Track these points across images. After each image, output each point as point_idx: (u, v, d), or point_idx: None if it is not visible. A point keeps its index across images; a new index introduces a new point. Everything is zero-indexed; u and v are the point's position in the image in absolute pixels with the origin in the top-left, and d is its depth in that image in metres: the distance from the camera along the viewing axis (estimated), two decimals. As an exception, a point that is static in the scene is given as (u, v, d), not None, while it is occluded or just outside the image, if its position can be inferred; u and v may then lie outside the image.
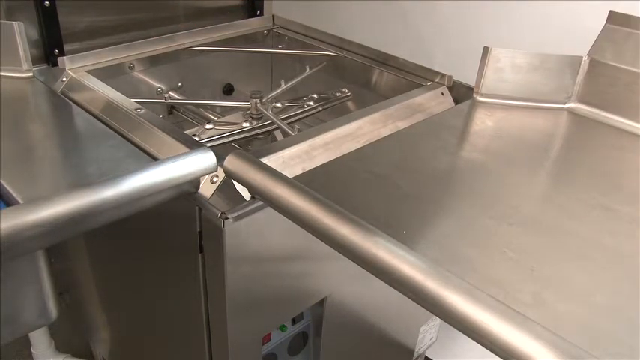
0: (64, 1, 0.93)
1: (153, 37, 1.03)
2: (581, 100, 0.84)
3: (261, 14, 1.23)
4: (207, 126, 0.90)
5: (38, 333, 1.10)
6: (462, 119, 0.83)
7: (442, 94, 0.93)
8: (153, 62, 1.03)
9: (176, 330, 0.82)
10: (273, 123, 0.93)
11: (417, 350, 1.14)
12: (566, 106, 0.85)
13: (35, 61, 0.89)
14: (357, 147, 0.74)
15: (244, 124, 0.93)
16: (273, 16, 1.22)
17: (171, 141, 0.70)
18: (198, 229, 0.65)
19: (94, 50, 0.95)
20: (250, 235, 0.64)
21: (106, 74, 0.93)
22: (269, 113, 0.92)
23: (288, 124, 0.93)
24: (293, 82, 1.06)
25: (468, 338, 0.41)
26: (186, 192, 0.63)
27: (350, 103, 1.08)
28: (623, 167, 0.71)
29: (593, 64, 0.82)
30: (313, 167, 0.69)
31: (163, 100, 1.06)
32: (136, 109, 0.77)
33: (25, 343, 1.15)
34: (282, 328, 0.80)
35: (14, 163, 0.63)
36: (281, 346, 0.81)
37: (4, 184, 0.58)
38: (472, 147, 0.75)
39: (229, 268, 0.63)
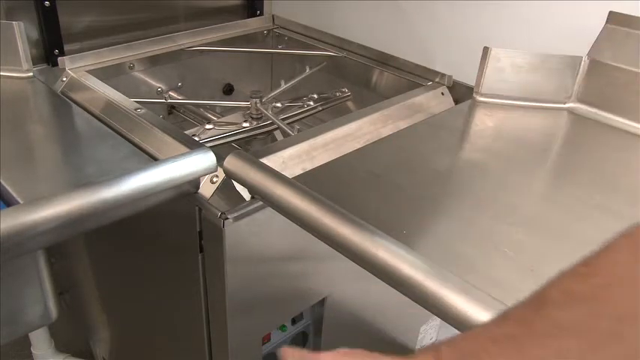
0: (64, 1, 0.93)
1: (153, 37, 1.03)
2: (581, 100, 0.84)
3: (261, 14, 1.23)
4: (207, 126, 0.89)
5: (38, 333, 1.10)
6: (462, 119, 0.83)
7: (442, 94, 0.93)
8: (153, 62, 1.03)
9: (176, 330, 0.82)
10: (273, 123, 0.93)
11: (417, 350, 1.14)
12: (566, 106, 0.85)
13: (35, 61, 0.89)
14: (357, 147, 0.74)
15: (244, 124, 0.93)
16: (273, 16, 1.22)
17: (171, 141, 0.70)
18: (198, 229, 0.65)
19: (94, 50, 0.95)
20: (250, 235, 0.64)
21: (106, 74, 0.93)
22: (269, 113, 0.92)
23: (288, 124, 0.93)
24: (293, 82, 1.06)
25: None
26: (186, 192, 0.63)
27: (350, 103, 1.08)
28: (623, 167, 0.71)
29: (593, 64, 0.82)
30: (313, 167, 0.69)
31: (163, 100, 1.06)
32: (136, 109, 0.77)
33: (25, 343, 1.15)
34: (282, 328, 0.80)
35: (14, 163, 0.63)
36: (281, 346, 0.81)
37: (4, 184, 0.58)
38: (472, 147, 0.75)
39: (229, 268, 0.63)
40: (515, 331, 0.31)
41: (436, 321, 1.14)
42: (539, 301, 0.32)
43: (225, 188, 0.64)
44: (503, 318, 0.34)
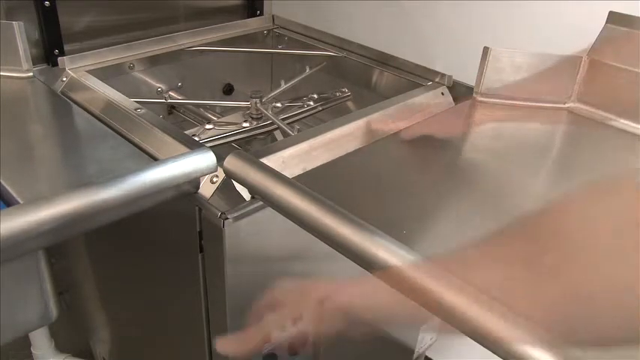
0: (64, 1, 0.93)
1: (153, 37, 1.03)
2: (581, 100, 0.84)
3: (261, 14, 1.23)
4: (207, 126, 0.89)
5: (38, 333, 1.10)
6: (462, 119, 0.83)
7: (442, 94, 0.93)
8: (153, 62, 1.03)
9: (176, 330, 0.82)
10: (273, 123, 0.93)
11: (417, 350, 1.14)
12: (566, 106, 0.85)
13: (35, 61, 0.89)
14: (357, 147, 0.73)
15: (244, 124, 0.93)
16: (273, 16, 1.22)
17: (171, 141, 0.70)
18: (198, 229, 0.65)
19: (94, 50, 0.95)
20: (250, 235, 0.64)
21: (106, 74, 0.93)
22: (269, 113, 0.92)
23: (288, 124, 0.93)
24: (293, 82, 1.06)
25: (468, 338, 0.41)
26: (186, 192, 0.63)
27: (350, 103, 1.08)
28: (623, 167, 0.71)
29: (593, 64, 0.82)
30: (313, 167, 0.69)
31: (163, 100, 1.06)
32: (136, 109, 0.77)
33: (25, 343, 1.15)
34: (282, 328, 0.80)
35: (14, 163, 0.63)
36: (281, 346, 0.81)
37: (4, 184, 0.58)
38: (472, 147, 0.75)
39: (229, 268, 0.63)
40: (473, 253, 0.35)
41: (436, 321, 1.13)
42: (502, 232, 0.35)
43: (225, 188, 0.64)
44: (472, 243, 0.37)
